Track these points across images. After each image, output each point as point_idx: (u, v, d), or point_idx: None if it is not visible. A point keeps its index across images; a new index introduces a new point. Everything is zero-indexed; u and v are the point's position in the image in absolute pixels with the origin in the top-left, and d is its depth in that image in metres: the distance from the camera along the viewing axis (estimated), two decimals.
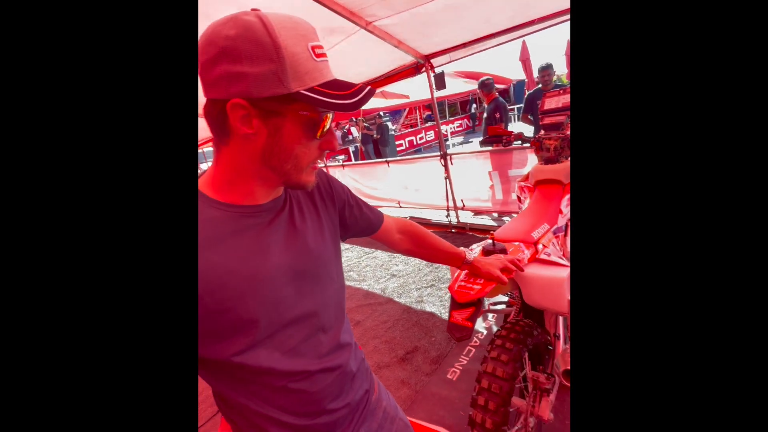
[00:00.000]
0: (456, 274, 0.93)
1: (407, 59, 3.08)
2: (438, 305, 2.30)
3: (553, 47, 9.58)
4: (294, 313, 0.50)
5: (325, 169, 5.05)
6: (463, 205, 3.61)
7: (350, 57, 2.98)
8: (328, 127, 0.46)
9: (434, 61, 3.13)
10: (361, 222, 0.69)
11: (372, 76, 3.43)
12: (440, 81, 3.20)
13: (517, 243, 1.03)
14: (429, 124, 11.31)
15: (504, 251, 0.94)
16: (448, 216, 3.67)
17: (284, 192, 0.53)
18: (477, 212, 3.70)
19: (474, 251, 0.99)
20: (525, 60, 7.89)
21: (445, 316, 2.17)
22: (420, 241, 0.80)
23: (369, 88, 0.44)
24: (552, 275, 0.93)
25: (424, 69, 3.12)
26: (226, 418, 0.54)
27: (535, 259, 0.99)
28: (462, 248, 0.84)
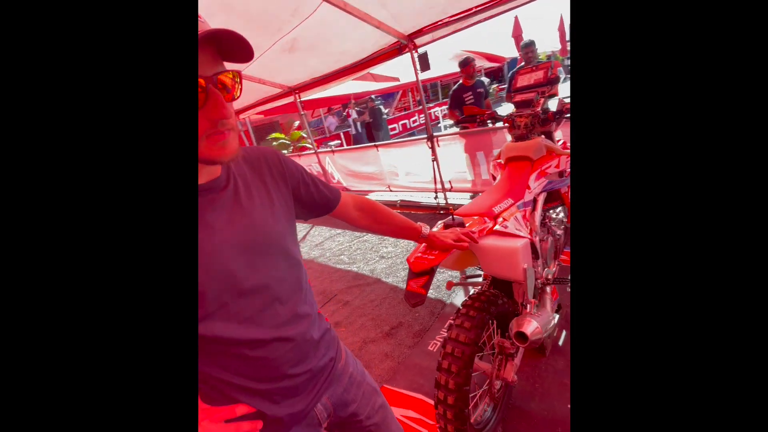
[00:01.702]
0: (416, 248, 0.99)
1: (390, 39, 3.04)
2: None
3: (546, 21, 9.33)
4: (245, 285, 0.52)
5: (315, 156, 5.06)
6: (451, 187, 3.65)
7: (329, 40, 2.94)
8: (207, 93, 0.44)
9: (419, 41, 3.09)
10: (318, 199, 0.72)
11: (356, 58, 3.40)
12: (424, 62, 3.17)
13: (476, 217, 1.08)
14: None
15: (462, 225, 0.99)
16: (436, 198, 3.71)
17: (226, 171, 0.56)
18: (467, 193, 3.75)
19: (437, 227, 1.05)
20: (518, 36, 7.73)
21: (430, 293, 2.25)
22: (378, 217, 0.84)
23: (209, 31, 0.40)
24: (505, 245, 0.99)
25: (407, 49, 3.08)
26: None
27: (492, 232, 1.04)
28: (419, 223, 0.89)
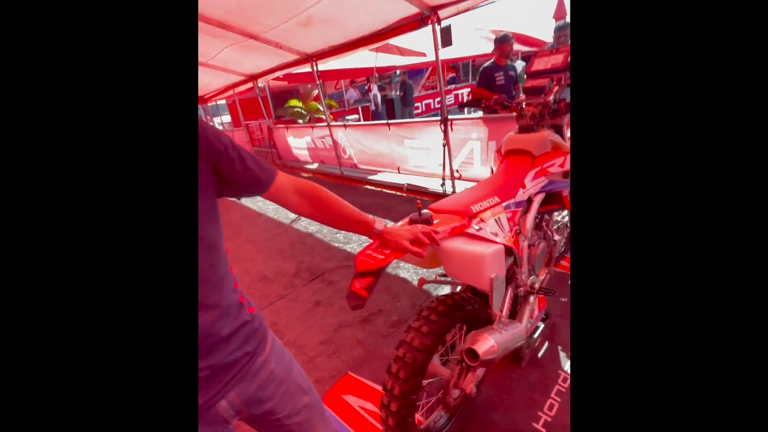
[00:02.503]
0: (369, 243, 0.89)
1: (412, 9, 2.81)
2: (412, 272, 2.30)
3: None
4: None
5: (328, 129, 4.95)
6: (460, 175, 3.48)
7: (346, 14, 2.76)
8: None
9: (443, 13, 2.84)
10: (244, 177, 0.63)
11: (375, 28, 3.19)
12: (446, 36, 2.94)
13: (447, 215, 0.96)
14: (452, 86, 10.65)
15: (428, 222, 0.88)
16: (443, 185, 3.55)
17: None
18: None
19: (403, 221, 0.94)
20: (560, 18, 7.10)
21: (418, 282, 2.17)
22: (322, 206, 0.74)
23: None
24: (471, 250, 0.87)
25: (429, 21, 2.85)
26: None
27: (461, 233, 0.93)
28: (374, 217, 0.79)
